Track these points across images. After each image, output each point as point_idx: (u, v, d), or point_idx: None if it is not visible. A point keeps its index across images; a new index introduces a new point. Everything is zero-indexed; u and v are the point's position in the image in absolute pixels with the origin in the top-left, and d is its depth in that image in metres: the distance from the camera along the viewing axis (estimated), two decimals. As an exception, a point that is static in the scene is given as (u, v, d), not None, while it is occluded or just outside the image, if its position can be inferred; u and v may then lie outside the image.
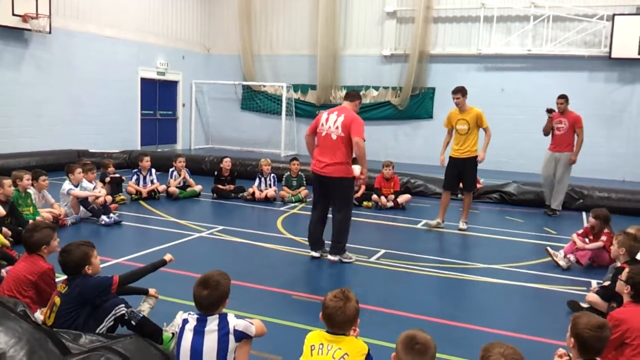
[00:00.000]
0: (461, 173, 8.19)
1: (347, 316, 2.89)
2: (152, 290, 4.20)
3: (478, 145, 8.08)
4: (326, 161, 6.10)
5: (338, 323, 2.89)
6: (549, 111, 9.77)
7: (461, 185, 8.48)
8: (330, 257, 6.26)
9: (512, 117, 15.41)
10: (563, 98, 9.67)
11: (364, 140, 6.07)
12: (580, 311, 3.93)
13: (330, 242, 6.39)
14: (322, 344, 2.88)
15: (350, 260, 6.27)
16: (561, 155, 9.66)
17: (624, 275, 3.77)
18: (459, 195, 10.86)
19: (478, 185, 11.00)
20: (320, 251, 6.42)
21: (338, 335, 2.90)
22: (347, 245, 6.35)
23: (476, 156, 8.06)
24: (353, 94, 6.45)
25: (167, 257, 4.28)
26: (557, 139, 9.74)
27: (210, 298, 3.09)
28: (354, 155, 6.24)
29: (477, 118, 7.96)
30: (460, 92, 7.99)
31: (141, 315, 3.66)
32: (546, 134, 9.96)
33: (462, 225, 8.30)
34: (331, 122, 6.13)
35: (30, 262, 4.02)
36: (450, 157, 8.23)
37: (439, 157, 8.64)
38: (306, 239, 6.57)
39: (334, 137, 6.08)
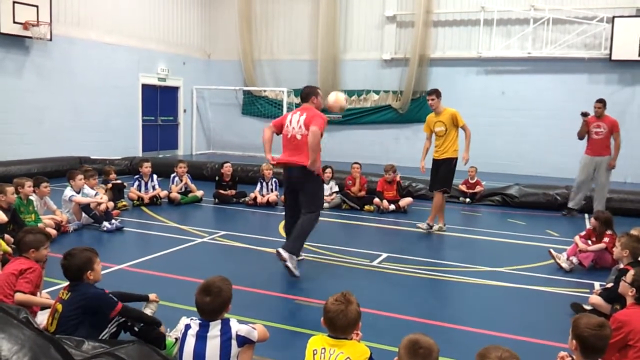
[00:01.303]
0: (439, 173, 8.09)
1: (349, 320, 2.89)
2: (152, 296, 4.19)
3: (457, 145, 8.00)
4: (294, 162, 6.00)
5: (340, 327, 2.89)
6: (584, 114, 9.62)
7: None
8: (281, 252, 5.68)
9: (513, 120, 15.43)
10: (601, 102, 9.57)
11: (322, 135, 5.87)
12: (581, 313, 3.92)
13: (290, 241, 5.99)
14: (324, 348, 2.87)
15: (300, 258, 6.14)
16: (602, 159, 9.52)
17: (628, 277, 3.75)
18: (460, 199, 10.90)
19: (479, 188, 11.02)
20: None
21: (340, 339, 2.89)
22: (351, 249, 6.27)
23: (453, 157, 7.94)
24: (307, 92, 6.25)
25: (152, 295, 4.18)
26: (595, 143, 9.57)
27: (212, 305, 3.09)
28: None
29: (452, 118, 7.90)
30: (434, 93, 7.96)
31: (144, 321, 3.66)
32: (581, 138, 9.80)
33: (422, 225, 8.12)
34: (294, 122, 6.05)
35: (17, 262, 4.04)
36: (432, 159, 8.16)
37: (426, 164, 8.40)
38: (308, 243, 6.56)
39: (298, 137, 6.00)
